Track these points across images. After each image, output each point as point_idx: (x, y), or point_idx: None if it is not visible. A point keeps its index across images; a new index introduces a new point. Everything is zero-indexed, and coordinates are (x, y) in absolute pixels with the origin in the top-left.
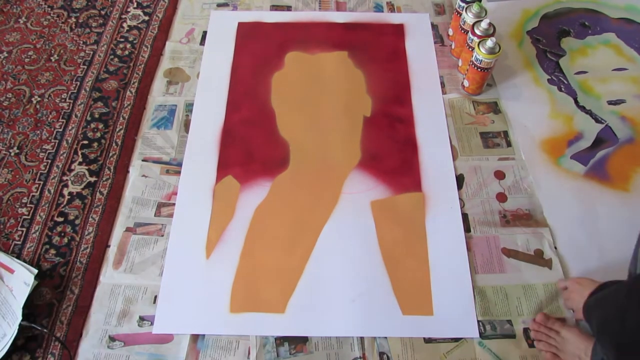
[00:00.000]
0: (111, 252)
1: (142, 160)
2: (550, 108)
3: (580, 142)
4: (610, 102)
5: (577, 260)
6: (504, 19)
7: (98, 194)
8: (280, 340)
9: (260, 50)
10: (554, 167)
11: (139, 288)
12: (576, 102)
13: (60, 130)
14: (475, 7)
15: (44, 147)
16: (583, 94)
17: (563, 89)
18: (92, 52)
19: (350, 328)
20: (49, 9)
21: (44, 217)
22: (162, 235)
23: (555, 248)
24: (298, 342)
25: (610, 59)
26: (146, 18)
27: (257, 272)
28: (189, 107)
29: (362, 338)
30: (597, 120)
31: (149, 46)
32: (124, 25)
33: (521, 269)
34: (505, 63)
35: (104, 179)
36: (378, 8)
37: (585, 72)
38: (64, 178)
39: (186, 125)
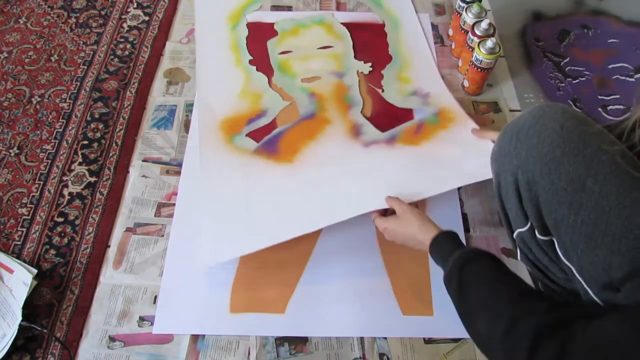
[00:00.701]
0: (111, 252)
1: (142, 161)
2: (242, 88)
3: (260, 120)
4: (304, 80)
5: None
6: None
7: (98, 194)
8: (280, 341)
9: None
10: (227, 146)
11: (139, 288)
12: (270, 81)
13: (60, 130)
14: (475, 8)
15: (44, 147)
16: (280, 73)
17: (260, 69)
18: (92, 52)
19: (350, 328)
20: (49, 9)
21: (44, 217)
22: (162, 236)
23: None
24: (298, 343)
25: (318, 38)
26: (146, 18)
27: (257, 272)
28: (189, 107)
29: (362, 338)
30: (285, 97)
31: (149, 46)
32: (124, 25)
33: (521, 269)
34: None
35: (104, 179)
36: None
37: (289, 52)
38: (64, 178)
39: (186, 125)
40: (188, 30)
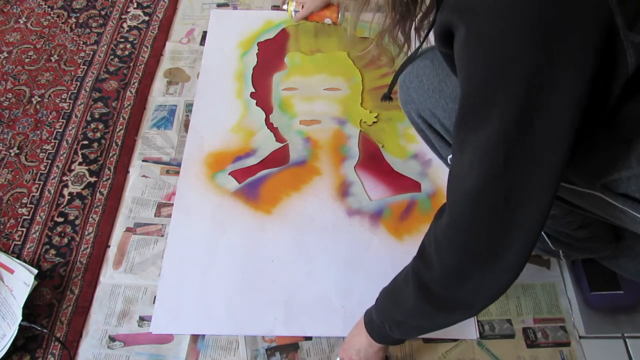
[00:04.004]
0: (111, 252)
1: (142, 161)
2: (237, 122)
3: (247, 159)
4: (303, 122)
5: None
6: (240, 27)
7: (98, 194)
8: (272, 351)
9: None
10: (207, 181)
11: (139, 288)
12: (267, 118)
13: (60, 130)
14: None
15: (44, 147)
16: (279, 111)
17: (259, 104)
18: (92, 53)
19: (348, 328)
20: (49, 9)
21: (44, 217)
22: (162, 236)
23: None
24: (290, 351)
25: (327, 78)
26: (146, 18)
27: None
28: (189, 107)
29: None
30: (279, 139)
31: (149, 46)
32: (124, 25)
33: None
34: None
35: (104, 179)
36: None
37: (294, 89)
38: (64, 178)
39: (186, 125)
40: (188, 30)
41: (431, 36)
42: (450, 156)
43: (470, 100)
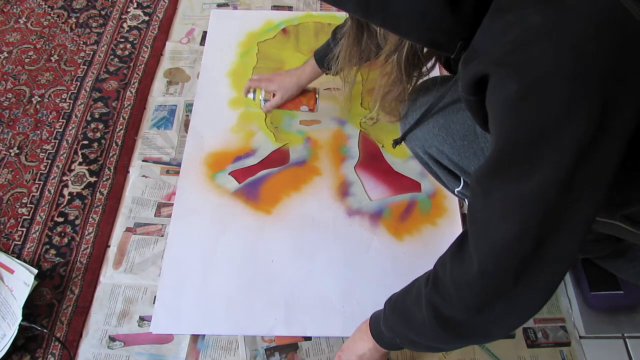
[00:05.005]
0: (111, 252)
1: (142, 161)
2: (236, 122)
3: (247, 159)
4: (303, 122)
5: None
6: (240, 27)
7: (98, 194)
8: (271, 351)
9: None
10: (207, 181)
11: (139, 288)
12: (267, 118)
13: (61, 130)
14: None
15: (44, 147)
16: (279, 111)
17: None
18: (92, 53)
19: (348, 328)
20: (49, 9)
21: (44, 217)
22: (162, 236)
23: None
24: (289, 351)
25: (324, 78)
26: (146, 18)
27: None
28: (189, 107)
29: None
30: (279, 139)
31: (149, 46)
32: (124, 25)
33: None
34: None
35: (104, 179)
36: None
37: None
38: (64, 178)
39: (186, 125)
40: (188, 30)
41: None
42: (459, 189)
43: (513, 151)
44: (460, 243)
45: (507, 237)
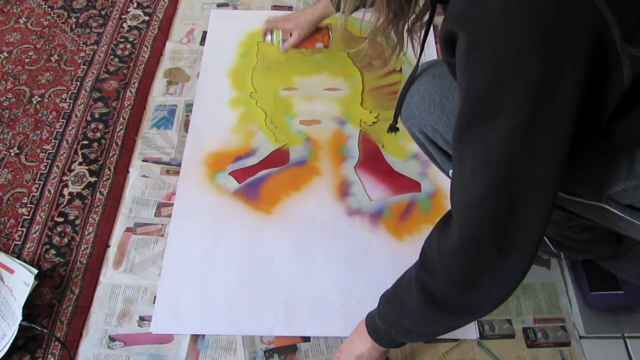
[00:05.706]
0: (111, 252)
1: (142, 161)
2: (236, 122)
3: (247, 159)
4: (303, 122)
5: None
6: (240, 27)
7: (98, 194)
8: (270, 352)
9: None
10: (207, 181)
11: (139, 288)
12: (266, 118)
13: (61, 130)
14: None
15: (44, 147)
16: (279, 111)
17: (259, 104)
18: (92, 52)
19: (348, 328)
20: (49, 9)
21: (44, 217)
22: (162, 236)
23: None
24: (288, 352)
25: (327, 78)
26: (146, 18)
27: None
28: (189, 107)
29: None
30: (279, 139)
31: (149, 46)
32: (124, 25)
33: None
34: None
35: (104, 179)
36: None
37: (295, 89)
38: (64, 178)
39: (186, 125)
40: (188, 30)
41: (427, 50)
42: (452, 170)
43: (471, 110)
44: (445, 218)
45: (480, 195)
